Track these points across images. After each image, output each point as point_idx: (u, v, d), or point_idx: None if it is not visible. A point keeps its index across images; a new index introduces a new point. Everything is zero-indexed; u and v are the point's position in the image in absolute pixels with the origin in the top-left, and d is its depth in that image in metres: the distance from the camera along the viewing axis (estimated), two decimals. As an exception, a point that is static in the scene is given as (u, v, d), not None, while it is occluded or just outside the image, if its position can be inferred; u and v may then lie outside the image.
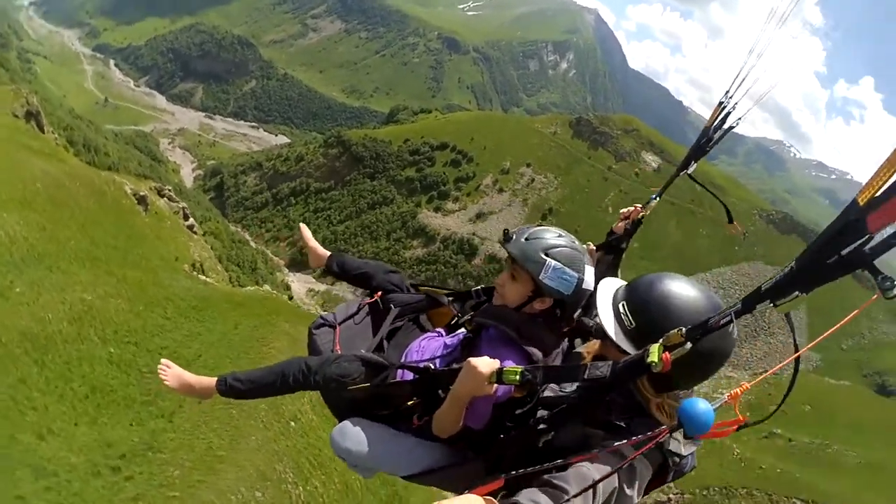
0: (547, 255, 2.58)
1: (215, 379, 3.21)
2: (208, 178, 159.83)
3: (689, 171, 3.37)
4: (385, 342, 3.16)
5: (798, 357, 1.82)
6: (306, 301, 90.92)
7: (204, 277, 35.76)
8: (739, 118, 3.11)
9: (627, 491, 1.90)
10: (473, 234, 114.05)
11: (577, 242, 2.74)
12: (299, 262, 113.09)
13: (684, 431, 1.71)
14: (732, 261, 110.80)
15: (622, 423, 2.03)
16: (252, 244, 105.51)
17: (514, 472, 1.97)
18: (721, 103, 3.12)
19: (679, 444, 2.08)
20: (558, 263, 2.58)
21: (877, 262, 1.32)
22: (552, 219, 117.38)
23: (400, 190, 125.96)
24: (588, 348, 2.74)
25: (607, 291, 2.42)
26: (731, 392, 1.73)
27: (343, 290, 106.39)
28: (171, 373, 3.34)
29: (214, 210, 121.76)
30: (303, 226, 4.26)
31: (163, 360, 3.38)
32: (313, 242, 4.03)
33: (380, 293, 3.40)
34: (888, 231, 1.28)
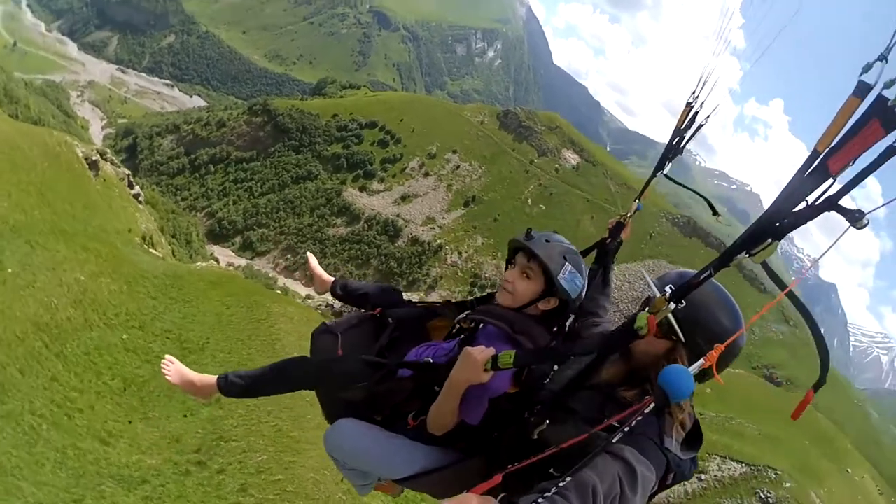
0: (565, 258, 2.79)
1: (216, 377, 3.25)
2: (120, 137, 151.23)
3: (664, 172, 3.50)
4: (385, 352, 3.22)
5: (811, 323, 1.96)
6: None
7: (154, 252, 35.04)
8: (707, 117, 3.29)
9: (630, 495, 1.90)
10: (398, 215, 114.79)
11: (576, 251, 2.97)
12: (217, 234, 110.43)
13: (668, 397, 1.78)
14: (638, 257, 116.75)
15: (616, 423, 2.05)
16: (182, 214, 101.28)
17: (510, 467, 2.09)
18: (689, 104, 3.31)
19: (677, 447, 2.15)
20: (573, 268, 2.78)
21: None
22: (474, 206, 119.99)
23: (325, 166, 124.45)
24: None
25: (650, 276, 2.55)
26: (708, 355, 1.84)
27: (263, 265, 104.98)
28: (175, 369, 3.40)
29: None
30: (310, 255, 4.46)
31: (166, 357, 3.44)
32: (319, 270, 4.21)
33: (380, 309, 3.51)
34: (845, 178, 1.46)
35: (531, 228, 3.02)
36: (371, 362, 2.93)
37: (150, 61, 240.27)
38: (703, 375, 1.99)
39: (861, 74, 1.47)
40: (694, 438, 2.27)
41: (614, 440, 1.94)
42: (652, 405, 1.92)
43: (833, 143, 1.49)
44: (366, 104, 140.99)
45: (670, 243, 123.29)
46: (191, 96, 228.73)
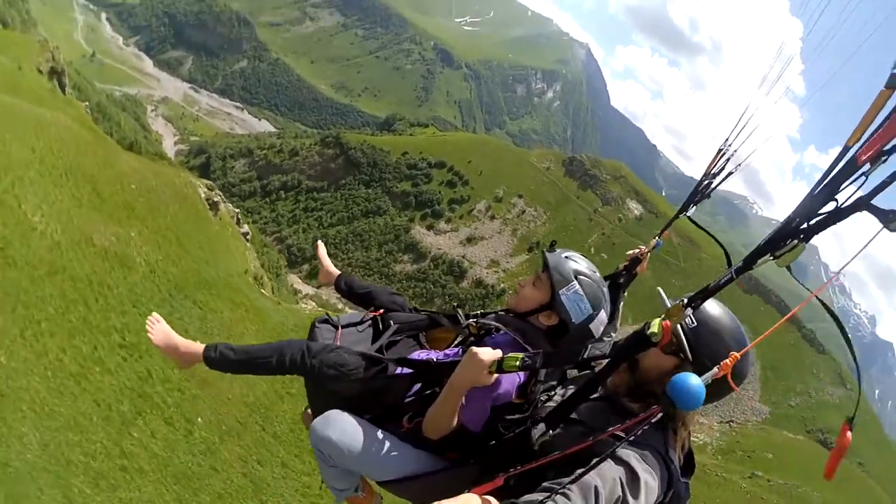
0: (576, 277, 2.76)
1: (203, 346, 3.11)
2: (193, 155, 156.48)
3: (688, 214, 3.54)
4: (384, 352, 3.16)
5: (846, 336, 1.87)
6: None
7: (264, 292, 35.99)
8: (738, 165, 3.25)
9: (632, 500, 1.86)
10: (463, 256, 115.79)
11: (605, 287, 2.89)
12: (287, 260, 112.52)
13: (676, 405, 1.70)
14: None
15: (621, 434, 2.01)
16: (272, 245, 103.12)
17: (512, 470, 2.02)
18: (720, 150, 3.28)
19: (678, 465, 2.14)
20: (581, 290, 2.74)
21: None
22: (538, 252, 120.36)
23: (394, 202, 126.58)
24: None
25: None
26: (722, 364, 1.77)
27: (330, 294, 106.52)
28: (159, 328, 3.25)
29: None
30: (320, 243, 4.50)
31: (153, 315, 3.29)
32: (326, 260, 4.23)
33: (382, 311, 3.45)
34: (874, 182, 1.45)
35: (555, 241, 3.13)
36: (369, 356, 2.89)
37: (222, 83, 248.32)
38: (715, 390, 1.88)
39: (894, 67, 1.44)
40: (687, 465, 2.27)
41: (617, 448, 1.91)
42: (659, 415, 1.89)
43: (863, 136, 1.47)
44: (434, 143, 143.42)
45: (730, 299, 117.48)
46: (259, 119, 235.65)
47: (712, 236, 3.54)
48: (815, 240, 1.56)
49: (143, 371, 12.48)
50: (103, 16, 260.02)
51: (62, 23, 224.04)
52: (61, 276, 12.98)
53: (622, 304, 3.62)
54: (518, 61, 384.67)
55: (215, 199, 37.70)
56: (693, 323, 2.11)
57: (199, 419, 13.04)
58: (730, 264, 2.66)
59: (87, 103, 64.85)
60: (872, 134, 1.45)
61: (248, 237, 44.52)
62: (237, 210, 46.87)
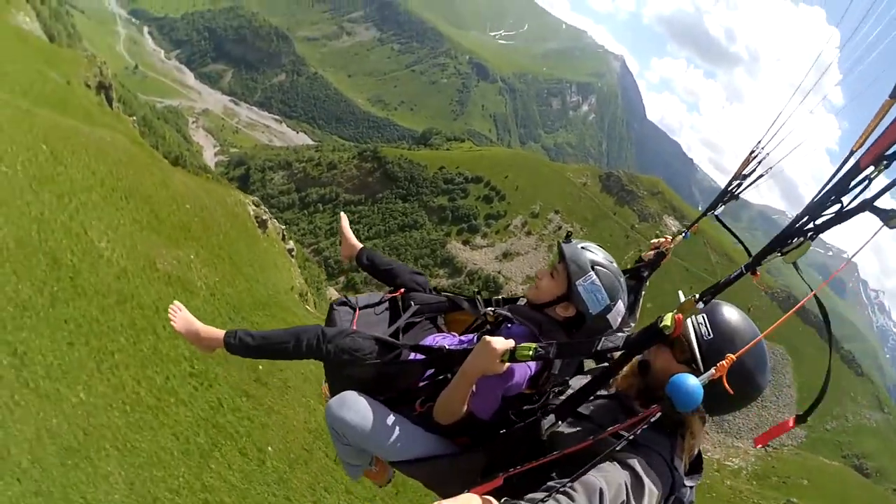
0: (593, 268, 2.73)
1: (224, 332, 3.16)
2: (233, 166, 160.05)
3: (716, 212, 3.51)
4: (401, 334, 3.19)
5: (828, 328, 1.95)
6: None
7: (309, 309, 36.03)
8: (769, 168, 3.23)
9: None
10: (499, 272, 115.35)
11: (622, 278, 2.87)
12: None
13: (674, 405, 1.73)
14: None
15: (625, 433, 2.00)
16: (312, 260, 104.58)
17: (512, 470, 2.01)
18: (753, 151, 3.28)
19: (683, 471, 2.13)
20: (598, 280, 2.71)
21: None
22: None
23: (431, 217, 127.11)
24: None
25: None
26: (718, 365, 1.77)
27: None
28: (181, 316, 3.34)
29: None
30: (343, 214, 4.46)
31: (174, 303, 3.37)
32: (349, 232, 4.19)
33: (402, 290, 3.46)
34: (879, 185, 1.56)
35: (571, 232, 3.09)
36: (384, 341, 2.89)
37: (262, 96, 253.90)
38: (714, 400, 1.85)
39: None
40: (695, 468, 2.24)
41: (618, 448, 1.88)
42: (658, 415, 1.85)
43: (866, 142, 1.58)
44: (471, 158, 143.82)
45: (768, 318, 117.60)
46: (297, 132, 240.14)
47: (734, 234, 3.44)
48: (857, 258, 1.76)
49: (214, 400, 12.41)
50: (145, 29, 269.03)
51: (105, 36, 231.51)
52: (130, 303, 12.92)
53: (644, 294, 3.58)
54: (553, 74, 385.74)
55: (264, 218, 37.95)
56: (710, 334, 2.09)
57: (270, 448, 12.88)
58: (749, 255, 2.59)
59: (133, 118, 66.22)
60: (873, 143, 1.55)
61: (292, 253, 44.71)
62: (283, 227, 47.15)
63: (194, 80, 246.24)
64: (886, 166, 1.57)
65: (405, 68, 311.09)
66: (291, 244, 48.35)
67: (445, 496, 1.75)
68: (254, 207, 39.52)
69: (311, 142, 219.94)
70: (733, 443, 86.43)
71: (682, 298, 2.13)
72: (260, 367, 14.64)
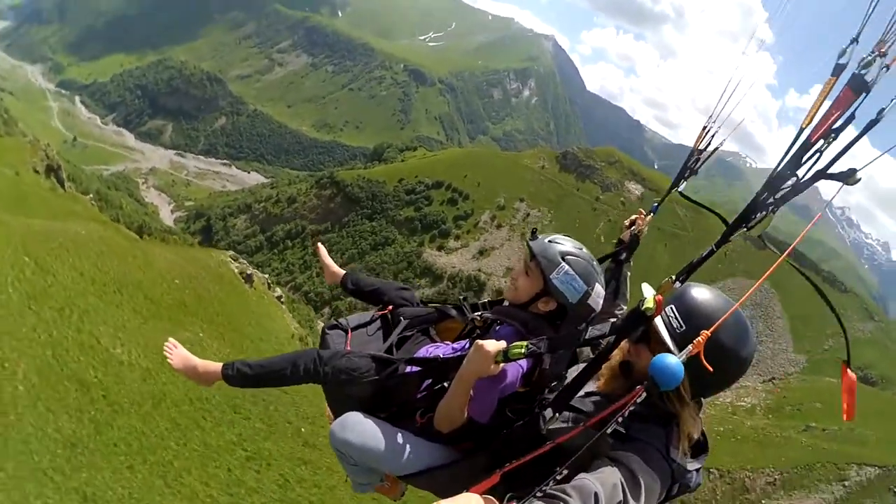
0: (563, 259, 2.79)
1: (221, 364, 3.14)
2: (192, 220, 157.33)
3: (680, 189, 3.60)
4: (394, 349, 3.19)
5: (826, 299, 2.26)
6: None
7: None
8: (723, 140, 3.36)
9: (633, 503, 1.87)
10: (479, 270, 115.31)
11: (595, 261, 2.91)
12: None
13: (657, 384, 1.75)
14: (717, 278, 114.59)
15: (621, 429, 2.04)
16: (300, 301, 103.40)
17: (507, 465, 2.04)
18: (705, 127, 3.39)
19: (685, 458, 2.14)
20: (571, 270, 2.76)
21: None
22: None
23: (401, 230, 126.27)
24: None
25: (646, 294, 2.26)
26: (695, 342, 1.79)
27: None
28: (177, 353, 3.32)
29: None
30: (319, 245, 4.46)
31: (170, 340, 3.37)
32: (329, 261, 4.19)
33: (391, 307, 3.49)
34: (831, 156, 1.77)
35: (536, 229, 3.15)
36: (379, 358, 2.91)
37: (206, 143, 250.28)
38: (700, 382, 1.98)
39: (838, 58, 1.74)
40: (701, 450, 2.29)
41: (612, 445, 1.97)
42: (643, 395, 1.88)
43: (814, 119, 1.75)
44: (427, 165, 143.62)
45: (745, 259, 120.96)
46: (248, 172, 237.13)
47: (706, 207, 3.44)
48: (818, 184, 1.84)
49: (279, 478, 12.56)
50: (77, 99, 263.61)
51: (37, 112, 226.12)
52: (164, 403, 12.90)
53: (629, 275, 3.64)
54: (489, 66, 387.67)
55: (248, 272, 37.81)
56: (679, 322, 2.10)
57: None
58: (725, 223, 2.62)
59: (89, 196, 65.18)
60: (819, 118, 1.71)
61: (281, 300, 44.59)
62: (265, 276, 46.89)
63: (135, 140, 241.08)
64: (834, 138, 1.74)
65: (343, 88, 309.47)
66: (279, 290, 48.19)
67: None
68: (236, 264, 39.30)
69: (264, 179, 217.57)
70: (742, 382, 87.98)
71: (646, 292, 2.14)
72: (303, 429, 14.76)
